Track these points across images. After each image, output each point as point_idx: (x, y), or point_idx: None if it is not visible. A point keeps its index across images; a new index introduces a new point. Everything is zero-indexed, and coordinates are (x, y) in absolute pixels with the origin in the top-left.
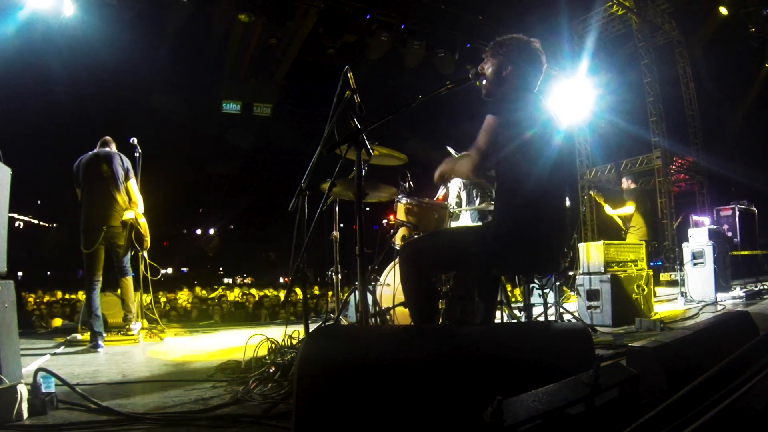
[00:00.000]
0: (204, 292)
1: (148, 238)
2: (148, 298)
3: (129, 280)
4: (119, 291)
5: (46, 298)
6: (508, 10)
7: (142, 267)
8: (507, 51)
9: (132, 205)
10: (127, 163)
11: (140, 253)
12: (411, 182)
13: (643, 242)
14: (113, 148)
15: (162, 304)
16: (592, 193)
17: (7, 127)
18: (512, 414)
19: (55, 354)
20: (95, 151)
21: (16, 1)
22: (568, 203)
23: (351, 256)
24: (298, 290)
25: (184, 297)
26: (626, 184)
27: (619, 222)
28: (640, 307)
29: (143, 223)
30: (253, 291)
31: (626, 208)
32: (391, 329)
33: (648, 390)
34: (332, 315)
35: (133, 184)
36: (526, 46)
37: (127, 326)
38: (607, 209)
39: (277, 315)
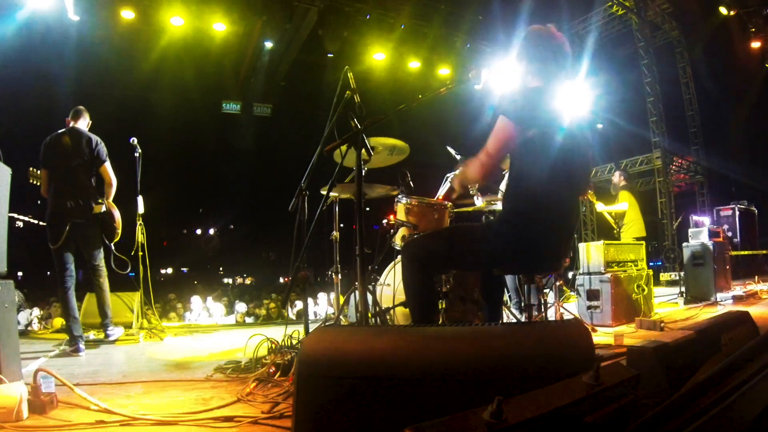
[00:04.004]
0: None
1: (119, 231)
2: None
3: (104, 281)
4: (95, 294)
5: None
6: (508, 10)
7: (141, 267)
8: (523, 46)
9: (106, 187)
10: (98, 145)
11: (138, 252)
12: (411, 182)
13: (642, 242)
14: (86, 118)
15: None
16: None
17: (7, 127)
18: (512, 414)
19: (54, 354)
20: (62, 130)
21: (16, 1)
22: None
23: (351, 256)
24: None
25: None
26: (617, 178)
27: (610, 220)
28: (640, 307)
29: (116, 215)
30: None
31: (619, 205)
32: (391, 329)
33: (648, 390)
34: (331, 315)
35: (106, 167)
36: (536, 36)
37: (105, 332)
38: (599, 206)
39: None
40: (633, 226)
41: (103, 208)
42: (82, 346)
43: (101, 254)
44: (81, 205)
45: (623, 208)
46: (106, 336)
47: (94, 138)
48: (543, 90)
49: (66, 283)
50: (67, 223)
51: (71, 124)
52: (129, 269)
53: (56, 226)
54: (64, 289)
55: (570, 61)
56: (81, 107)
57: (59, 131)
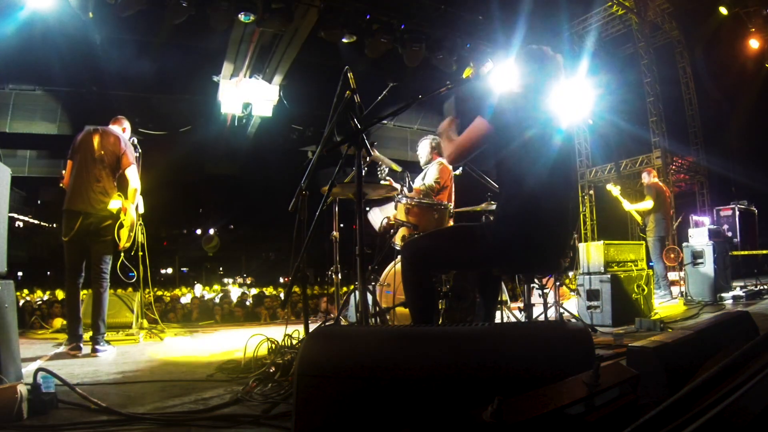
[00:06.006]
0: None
1: (128, 235)
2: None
3: (105, 293)
4: (91, 300)
5: (47, 297)
6: (508, 10)
7: (141, 267)
8: (516, 60)
9: (129, 192)
10: (128, 147)
11: (138, 252)
12: (411, 182)
13: (642, 242)
14: (123, 125)
15: None
16: (608, 187)
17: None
18: (512, 414)
19: (54, 354)
20: (96, 127)
21: (16, 1)
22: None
23: (351, 256)
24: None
25: None
26: (647, 179)
27: (638, 217)
28: (640, 307)
29: (131, 215)
30: None
31: (644, 203)
32: (391, 329)
33: (648, 390)
34: (331, 315)
35: (132, 170)
36: (528, 52)
37: (94, 347)
38: (626, 204)
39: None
40: (657, 225)
41: (119, 205)
42: (82, 345)
43: (109, 260)
44: (97, 199)
45: (647, 206)
46: (94, 351)
47: (124, 139)
48: (535, 92)
49: (72, 280)
50: (80, 215)
51: (109, 126)
52: (135, 279)
53: (70, 218)
54: (69, 287)
55: (560, 70)
56: (121, 116)
57: (93, 127)
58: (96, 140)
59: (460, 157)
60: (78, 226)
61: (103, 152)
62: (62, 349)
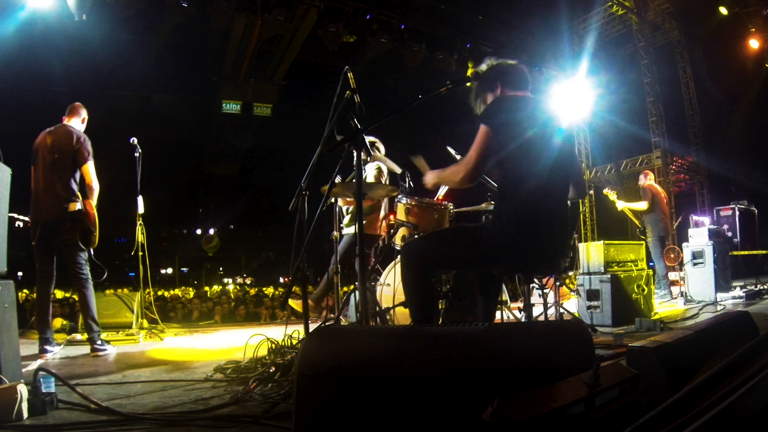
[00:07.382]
0: None
1: (96, 234)
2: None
3: (87, 291)
4: (79, 303)
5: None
6: (509, 11)
7: (141, 267)
8: (488, 77)
9: (87, 188)
10: (81, 143)
11: (138, 252)
12: (411, 182)
13: (642, 242)
14: (81, 114)
15: None
16: (605, 191)
17: (7, 127)
18: (512, 414)
19: (54, 354)
20: (51, 128)
21: (16, 1)
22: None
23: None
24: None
25: None
26: (643, 181)
27: (633, 217)
28: (640, 307)
29: (93, 215)
30: None
31: (639, 203)
32: (391, 329)
33: (648, 390)
34: (331, 315)
35: (89, 167)
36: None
37: (93, 347)
38: (619, 204)
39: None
40: (654, 226)
41: (78, 206)
42: (49, 348)
43: (82, 260)
44: (56, 202)
45: (641, 206)
46: (93, 351)
47: (77, 134)
48: (524, 98)
49: (42, 282)
50: (40, 221)
51: (65, 121)
52: (105, 276)
53: (33, 224)
54: (39, 290)
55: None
56: (77, 103)
57: (48, 129)
58: (49, 142)
59: (474, 174)
60: (40, 234)
61: (56, 155)
62: (65, 348)
